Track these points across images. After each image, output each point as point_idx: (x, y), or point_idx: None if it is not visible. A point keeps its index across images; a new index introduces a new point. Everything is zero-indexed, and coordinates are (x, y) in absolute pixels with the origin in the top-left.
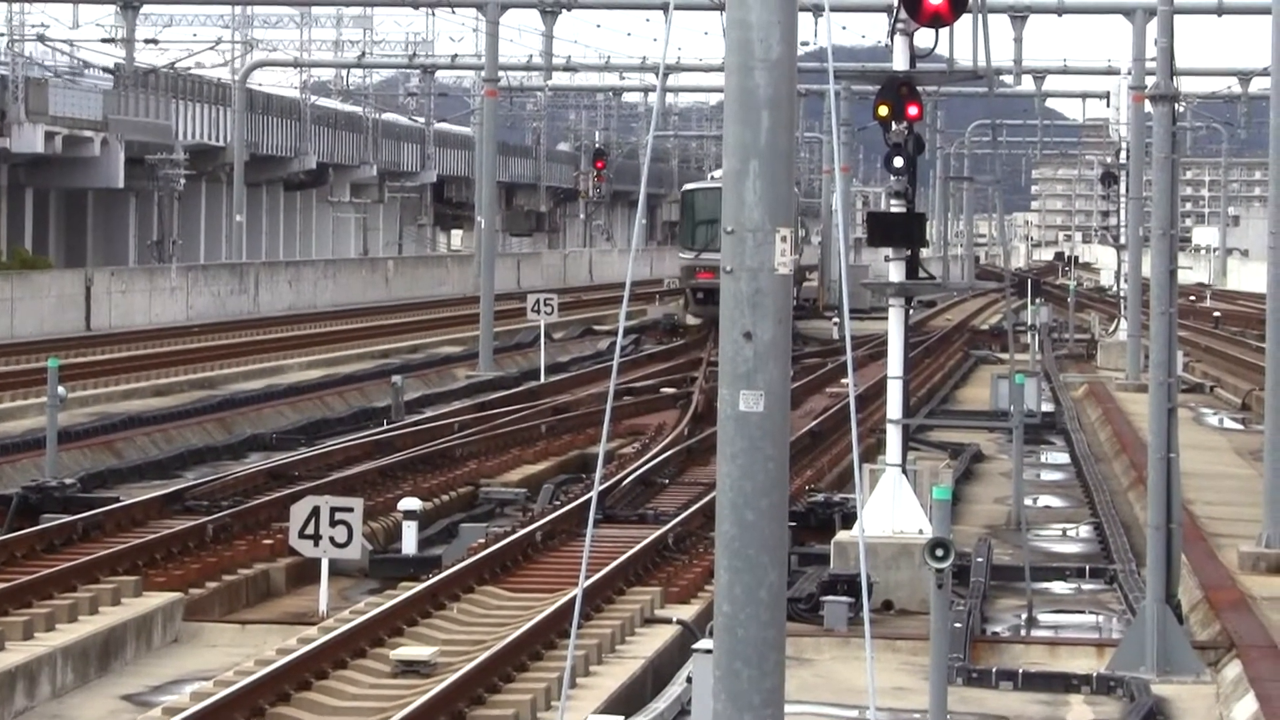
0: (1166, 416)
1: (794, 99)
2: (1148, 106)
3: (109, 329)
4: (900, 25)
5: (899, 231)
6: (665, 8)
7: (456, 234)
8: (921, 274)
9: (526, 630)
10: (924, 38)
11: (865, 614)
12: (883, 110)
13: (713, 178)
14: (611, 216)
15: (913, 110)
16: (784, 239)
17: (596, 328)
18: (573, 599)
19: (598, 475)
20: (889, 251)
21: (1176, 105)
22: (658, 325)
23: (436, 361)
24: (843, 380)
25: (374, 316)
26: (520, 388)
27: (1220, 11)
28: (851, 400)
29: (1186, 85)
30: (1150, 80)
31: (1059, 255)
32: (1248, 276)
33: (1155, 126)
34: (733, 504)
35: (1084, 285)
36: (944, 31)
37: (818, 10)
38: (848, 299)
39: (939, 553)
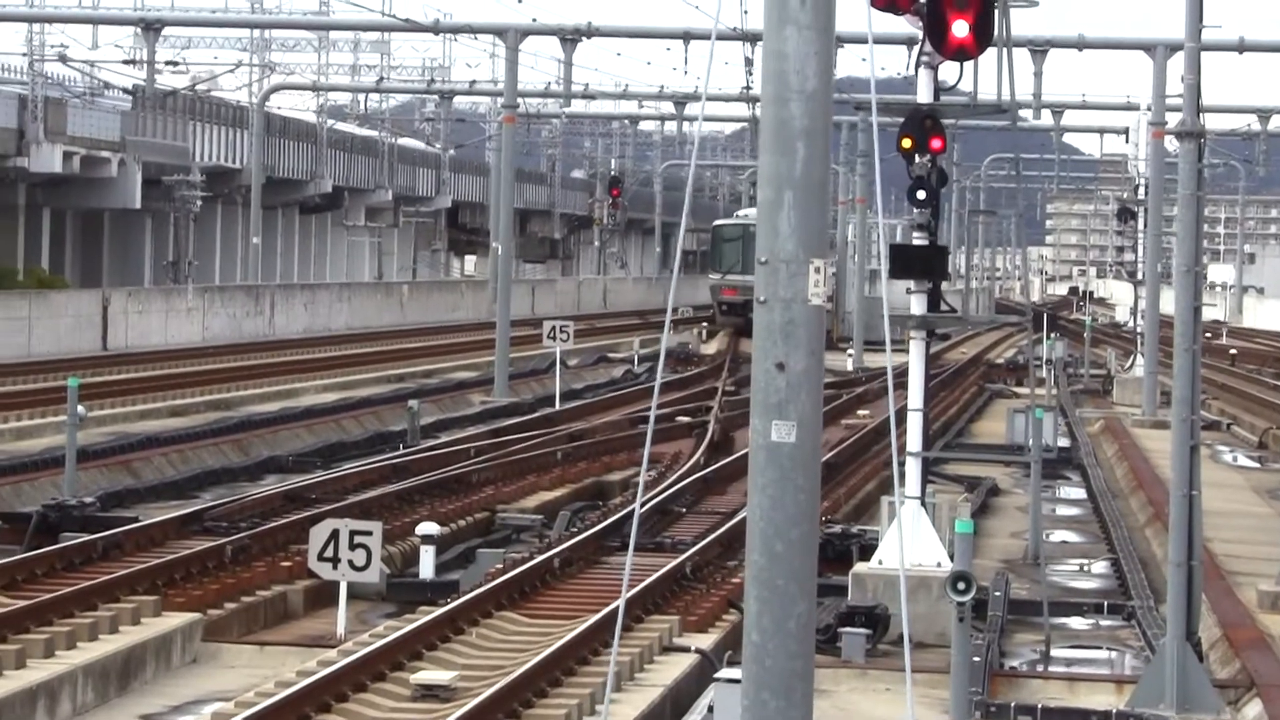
0: (1189, 453)
1: (829, 130)
2: (1168, 143)
3: (125, 349)
4: (925, 58)
5: (921, 264)
6: (685, 37)
7: (470, 259)
8: (942, 307)
9: (547, 655)
10: (946, 71)
11: (906, 646)
12: (906, 143)
13: (738, 215)
14: (625, 244)
15: (936, 143)
16: (818, 270)
17: (611, 355)
18: (593, 625)
19: (640, 487)
20: (910, 284)
21: (1201, 142)
22: (672, 354)
23: (451, 387)
24: (859, 412)
25: (389, 340)
26: (535, 414)
27: (1241, 49)
28: (892, 421)
29: (1205, 122)
30: (1170, 116)
31: (1073, 290)
32: (1264, 314)
33: (1181, 163)
34: (762, 534)
35: (1099, 320)
36: (965, 65)
37: (839, 42)
38: (887, 329)
39: (960, 586)
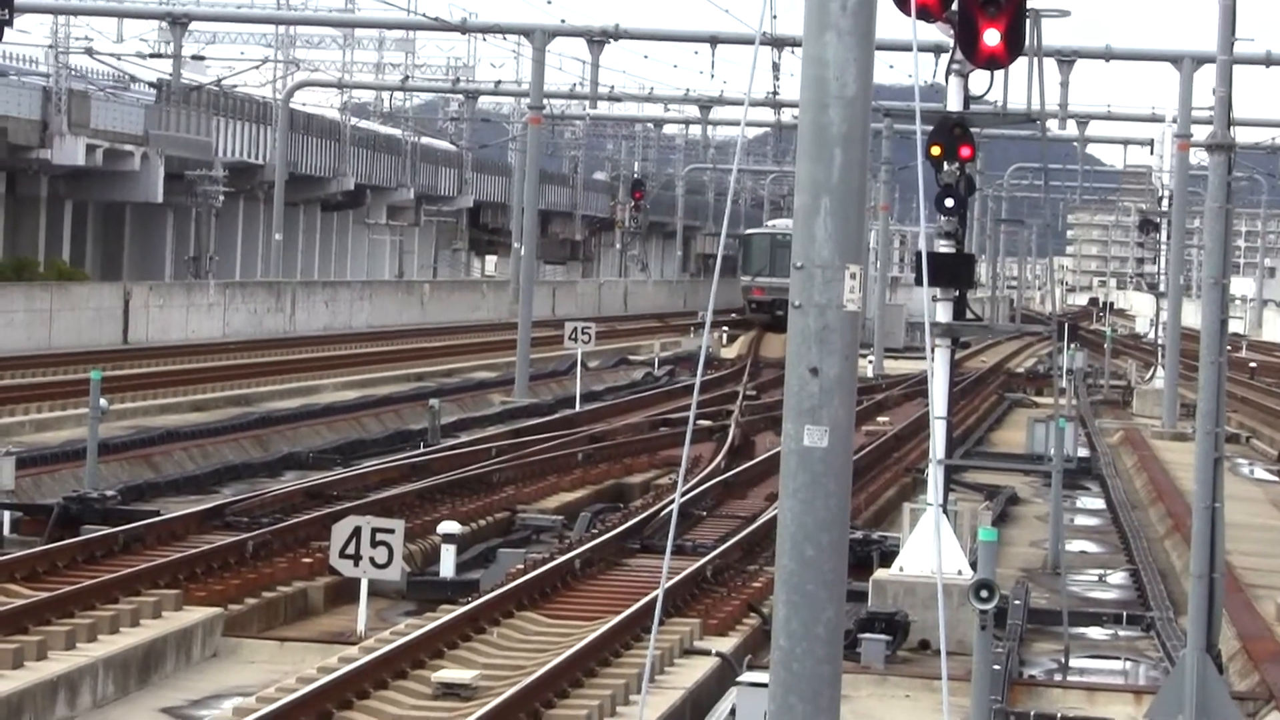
0: (1213, 466)
1: (867, 137)
2: (1193, 155)
3: (146, 343)
4: (955, 66)
5: (947, 272)
6: (712, 41)
7: (491, 259)
8: (968, 315)
9: (568, 656)
10: (974, 79)
11: (943, 659)
12: (935, 150)
13: (766, 224)
14: (646, 247)
15: (965, 151)
16: (853, 276)
17: (631, 358)
18: (614, 626)
19: (680, 479)
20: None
21: (1232, 155)
22: (693, 358)
23: (471, 386)
24: (878, 419)
25: (409, 339)
26: (555, 415)
27: (1268, 63)
28: (933, 429)
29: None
30: (1195, 129)
31: (1093, 300)
32: None
33: (1211, 175)
34: (793, 538)
35: (1118, 331)
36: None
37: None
38: (929, 334)
39: (984, 594)
